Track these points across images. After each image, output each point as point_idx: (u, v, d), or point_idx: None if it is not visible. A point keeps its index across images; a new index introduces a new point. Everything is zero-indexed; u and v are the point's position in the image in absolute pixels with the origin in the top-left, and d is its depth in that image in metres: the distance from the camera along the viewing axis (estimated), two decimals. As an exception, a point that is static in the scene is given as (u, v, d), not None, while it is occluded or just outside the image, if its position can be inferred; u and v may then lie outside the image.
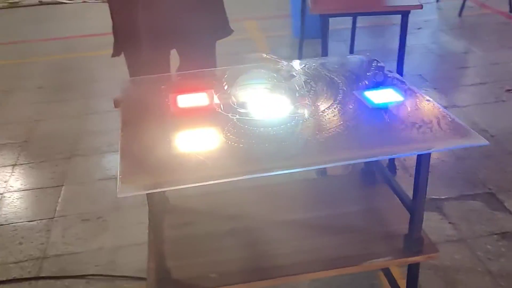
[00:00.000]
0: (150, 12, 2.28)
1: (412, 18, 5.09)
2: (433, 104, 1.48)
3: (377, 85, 1.60)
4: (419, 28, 4.87)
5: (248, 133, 1.35)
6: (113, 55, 2.45)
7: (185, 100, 1.57)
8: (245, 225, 1.72)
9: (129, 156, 1.28)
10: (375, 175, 1.90)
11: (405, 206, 1.61)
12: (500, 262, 2.08)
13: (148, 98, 1.65)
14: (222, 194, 1.88)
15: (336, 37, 4.79)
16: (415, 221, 1.55)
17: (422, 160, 1.43)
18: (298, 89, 1.56)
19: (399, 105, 1.48)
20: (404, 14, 2.27)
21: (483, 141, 1.27)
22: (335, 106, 1.50)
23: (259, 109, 1.49)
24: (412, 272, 1.65)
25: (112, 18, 2.37)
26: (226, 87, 1.57)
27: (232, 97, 1.56)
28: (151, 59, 2.39)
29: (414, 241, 1.58)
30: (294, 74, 1.66)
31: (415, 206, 1.53)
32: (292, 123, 1.40)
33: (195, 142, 1.33)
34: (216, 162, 1.24)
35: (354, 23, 3.43)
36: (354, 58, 1.87)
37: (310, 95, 1.55)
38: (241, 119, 1.43)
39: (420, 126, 1.37)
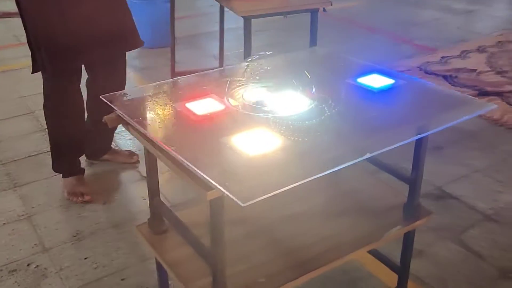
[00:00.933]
0: (67, 21, 2.10)
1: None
2: (424, 83, 1.67)
3: (363, 72, 1.73)
4: (258, 30, 5.18)
5: (300, 129, 1.36)
6: (34, 71, 2.18)
7: (198, 107, 1.50)
8: (257, 226, 1.70)
9: (211, 168, 1.19)
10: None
11: (400, 179, 1.77)
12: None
13: (153, 111, 1.52)
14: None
15: (187, 45, 4.83)
16: (415, 190, 1.73)
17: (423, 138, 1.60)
18: (300, 82, 1.60)
19: (398, 86, 1.63)
20: (314, 11, 2.45)
21: (491, 106, 1.49)
22: (344, 94, 1.59)
23: (281, 105, 1.50)
24: (409, 237, 1.83)
25: (30, 30, 2.12)
26: (242, 89, 1.54)
27: (245, 97, 1.54)
28: (68, 70, 2.21)
29: (414, 208, 1.75)
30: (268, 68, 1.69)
31: (415, 177, 1.70)
32: (328, 113, 1.44)
33: (259, 144, 1.29)
34: (303, 157, 1.24)
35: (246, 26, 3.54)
36: (311, 51, 1.97)
37: (313, 87, 1.61)
38: (277, 117, 1.43)
39: (432, 102, 1.54)
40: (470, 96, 1.55)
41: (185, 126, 1.43)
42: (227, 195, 1.09)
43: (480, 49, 4.65)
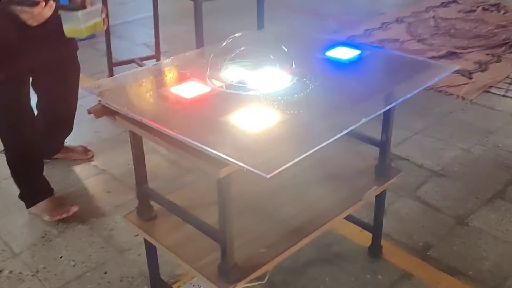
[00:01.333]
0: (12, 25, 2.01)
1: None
2: (387, 51, 1.79)
3: (328, 46, 1.82)
4: (183, 16, 5.16)
5: (291, 103, 1.43)
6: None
7: (183, 91, 1.52)
8: (245, 202, 1.75)
9: (222, 147, 1.23)
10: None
11: (371, 144, 1.89)
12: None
13: (140, 98, 1.52)
14: (195, 185, 1.87)
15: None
16: (385, 152, 1.86)
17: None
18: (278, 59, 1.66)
19: (365, 56, 1.74)
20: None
21: (454, 67, 1.63)
22: (319, 68, 1.67)
23: (264, 82, 1.56)
24: (381, 196, 1.97)
25: None
26: (222, 69, 1.58)
27: (227, 77, 1.58)
28: (17, 74, 2.13)
29: (386, 168, 1.89)
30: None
31: (386, 140, 1.83)
32: (312, 87, 1.52)
33: (259, 120, 1.35)
34: (306, 128, 1.31)
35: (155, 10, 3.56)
36: (271, 31, 2.03)
37: (293, 62, 1.67)
38: (266, 94, 1.48)
39: (400, 68, 1.66)
40: (432, 60, 1.69)
41: (178, 109, 1.46)
42: (247, 169, 1.14)
43: (399, 20, 4.93)
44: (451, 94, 3.43)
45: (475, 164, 2.72)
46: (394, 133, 2.96)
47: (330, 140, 1.23)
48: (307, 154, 1.18)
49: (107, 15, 2.12)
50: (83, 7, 2.04)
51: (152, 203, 1.70)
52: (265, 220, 1.69)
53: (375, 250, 2.09)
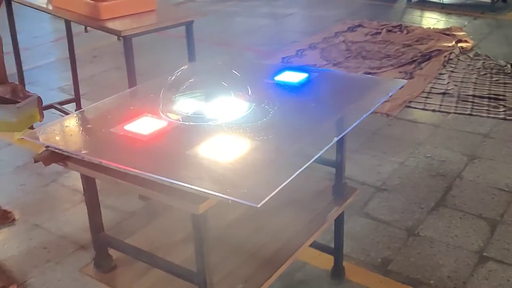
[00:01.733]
0: None
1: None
2: (333, 71, 1.80)
3: (275, 71, 1.81)
4: (94, 56, 5.00)
5: (257, 129, 1.39)
6: None
7: (139, 128, 1.44)
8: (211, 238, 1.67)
9: (199, 181, 1.15)
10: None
11: (326, 164, 1.88)
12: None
13: (94, 140, 1.41)
14: (151, 227, 1.76)
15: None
16: (341, 172, 1.86)
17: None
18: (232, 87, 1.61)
19: (314, 78, 1.75)
20: (189, 24, 2.48)
21: (402, 82, 1.67)
22: (272, 92, 1.65)
23: (221, 111, 1.50)
24: (340, 218, 1.96)
25: None
26: (174, 102, 1.51)
27: (181, 110, 1.52)
28: None
29: (342, 187, 1.89)
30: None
31: (341, 160, 1.83)
32: (272, 111, 1.49)
33: (229, 149, 1.29)
34: (280, 151, 1.26)
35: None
36: (211, 62, 1.99)
37: (249, 89, 1.63)
38: (228, 123, 1.43)
39: (352, 87, 1.68)
40: (378, 77, 1.72)
41: (138, 147, 1.36)
42: (233, 200, 1.08)
43: (312, 46, 5.08)
44: (375, 112, 3.54)
45: (412, 176, 2.81)
46: (332, 153, 3.03)
47: (309, 163, 1.20)
48: (290, 179, 1.14)
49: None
50: (14, 100, 1.88)
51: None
52: (235, 254, 1.62)
53: (338, 272, 2.07)
